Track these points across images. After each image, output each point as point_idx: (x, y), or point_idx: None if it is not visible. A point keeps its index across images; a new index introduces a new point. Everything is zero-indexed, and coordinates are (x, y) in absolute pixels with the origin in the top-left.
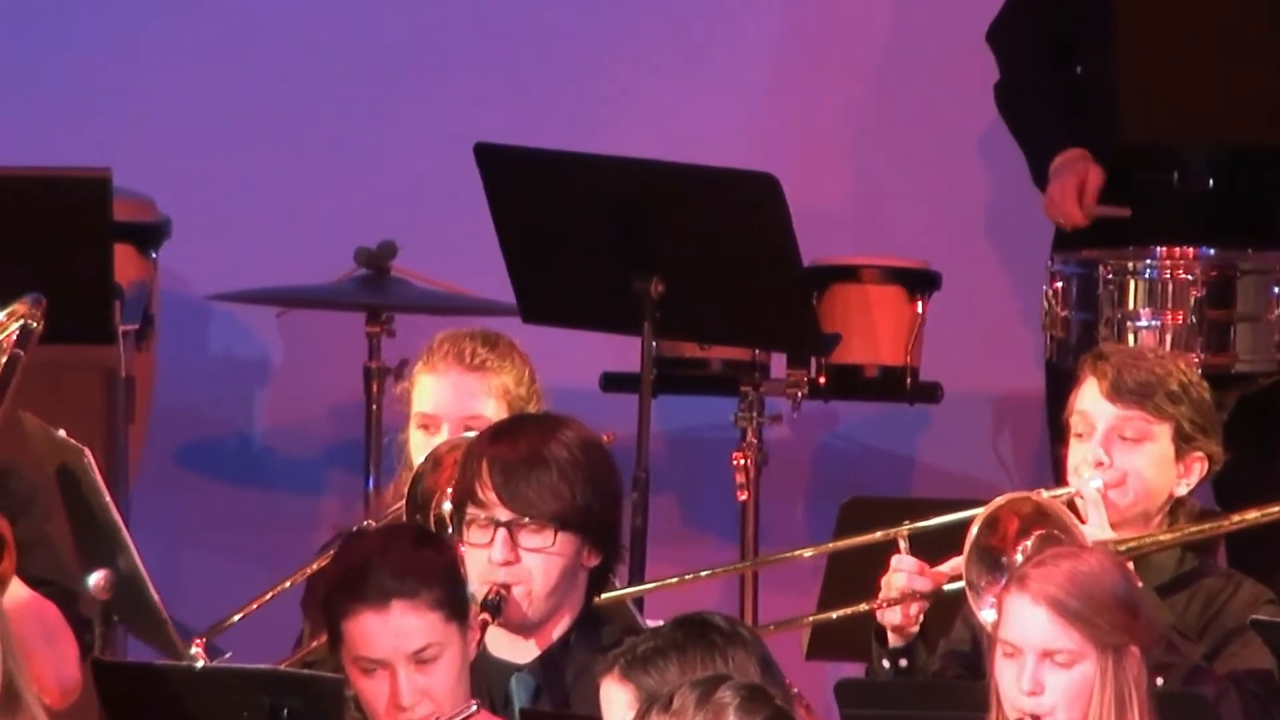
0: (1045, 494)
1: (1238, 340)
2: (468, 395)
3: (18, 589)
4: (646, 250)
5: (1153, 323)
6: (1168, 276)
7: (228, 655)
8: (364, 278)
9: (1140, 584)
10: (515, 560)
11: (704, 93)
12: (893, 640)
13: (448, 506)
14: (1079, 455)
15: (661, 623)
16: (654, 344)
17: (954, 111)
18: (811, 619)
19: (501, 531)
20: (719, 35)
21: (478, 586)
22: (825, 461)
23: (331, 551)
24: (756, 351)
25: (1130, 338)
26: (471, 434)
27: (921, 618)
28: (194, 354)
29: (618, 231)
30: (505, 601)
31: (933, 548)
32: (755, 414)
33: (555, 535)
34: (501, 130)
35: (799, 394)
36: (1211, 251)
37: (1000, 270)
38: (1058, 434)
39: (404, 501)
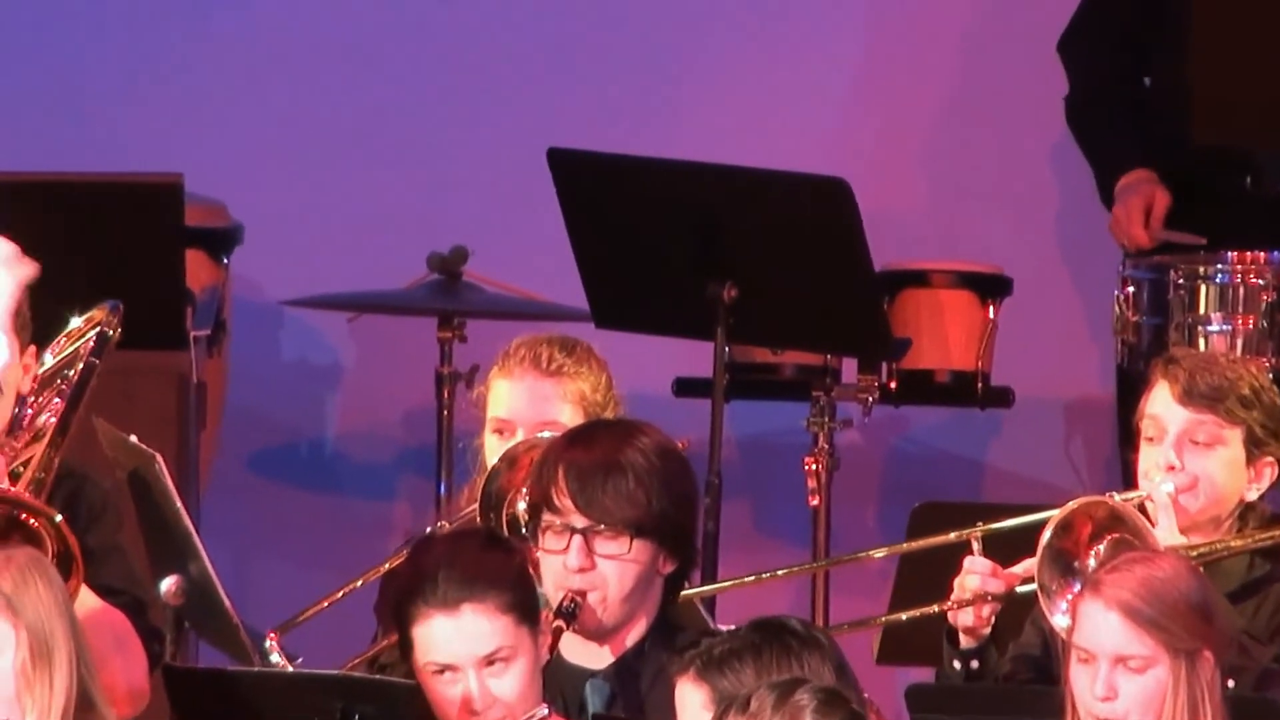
0: (1116, 498)
1: None
2: (543, 400)
3: (88, 598)
4: (719, 255)
5: (1224, 327)
6: (1239, 281)
7: (299, 660)
8: (436, 283)
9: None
10: (591, 567)
11: (778, 98)
12: (964, 642)
13: (522, 506)
14: (1150, 459)
15: (734, 626)
16: (726, 349)
17: (1028, 116)
18: (883, 619)
19: (577, 538)
20: (794, 41)
21: (553, 593)
22: (896, 466)
23: (403, 554)
24: (828, 356)
25: (1201, 342)
26: (549, 434)
27: (993, 619)
28: (266, 359)
29: (691, 236)
30: (580, 608)
31: (1004, 551)
32: (826, 419)
33: (631, 542)
34: (574, 135)
35: (870, 399)
36: None
37: (1072, 275)
38: (1128, 438)
39: (477, 503)
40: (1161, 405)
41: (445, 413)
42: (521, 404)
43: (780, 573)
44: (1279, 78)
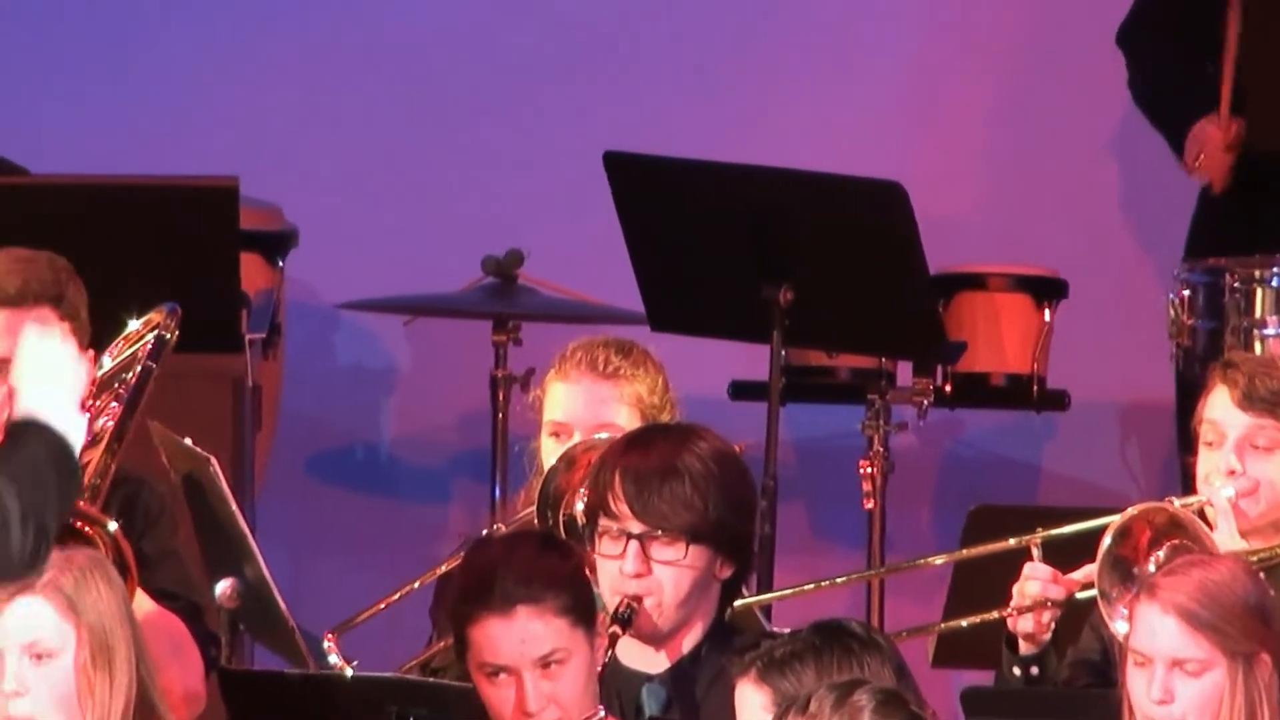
0: (1176, 503)
1: None
2: (600, 403)
3: (144, 603)
4: (775, 258)
5: None
6: None
7: (354, 663)
8: (491, 286)
9: (1271, 592)
10: (647, 572)
11: (833, 100)
12: (1024, 648)
13: (579, 507)
14: (1209, 464)
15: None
16: (782, 352)
17: (1083, 120)
18: (943, 626)
19: (633, 544)
20: (849, 44)
21: (609, 597)
22: (951, 470)
23: (459, 556)
24: (883, 360)
25: (1257, 346)
26: (606, 435)
27: (1053, 625)
28: (321, 362)
29: (746, 240)
30: (636, 614)
31: (1062, 556)
32: (882, 422)
33: (687, 548)
34: (630, 138)
35: (925, 402)
36: None
37: (1128, 278)
38: (1186, 442)
39: (534, 505)
40: (1221, 410)
41: (500, 416)
42: (578, 407)
43: (840, 580)
44: None
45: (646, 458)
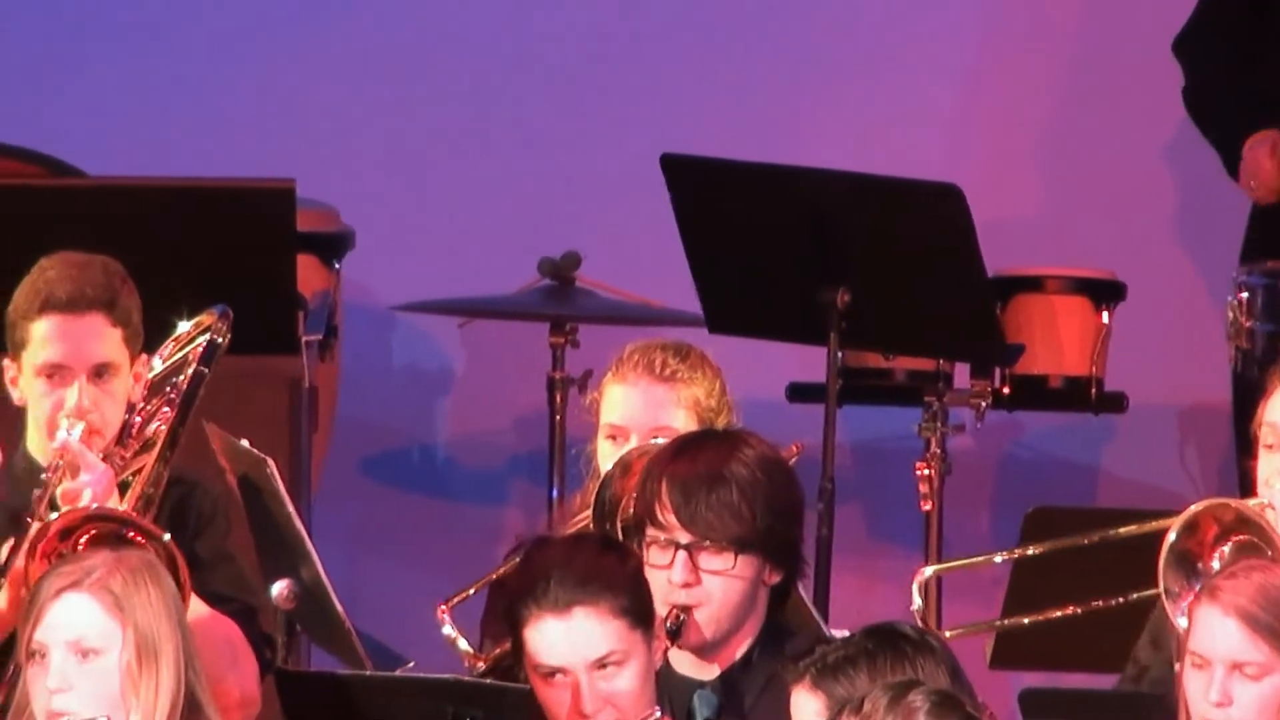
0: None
1: None
2: (657, 406)
3: (198, 607)
4: (832, 261)
5: None
6: None
7: (410, 664)
8: (548, 288)
9: None
10: (696, 583)
11: (891, 103)
12: None
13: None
14: (1270, 467)
15: (849, 632)
16: (839, 354)
17: (1141, 121)
18: (1006, 623)
19: (681, 554)
20: (906, 45)
21: (659, 607)
22: (1009, 472)
23: (515, 559)
24: (941, 362)
25: None
26: (663, 440)
27: None
28: (377, 364)
29: (804, 242)
30: (685, 624)
31: (1122, 557)
32: (939, 424)
33: (736, 558)
34: (686, 141)
35: (983, 404)
36: None
37: (1187, 280)
38: (1245, 445)
39: (590, 511)
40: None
41: (557, 418)
42: (635, 410)
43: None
44: None
45: (693, 466)
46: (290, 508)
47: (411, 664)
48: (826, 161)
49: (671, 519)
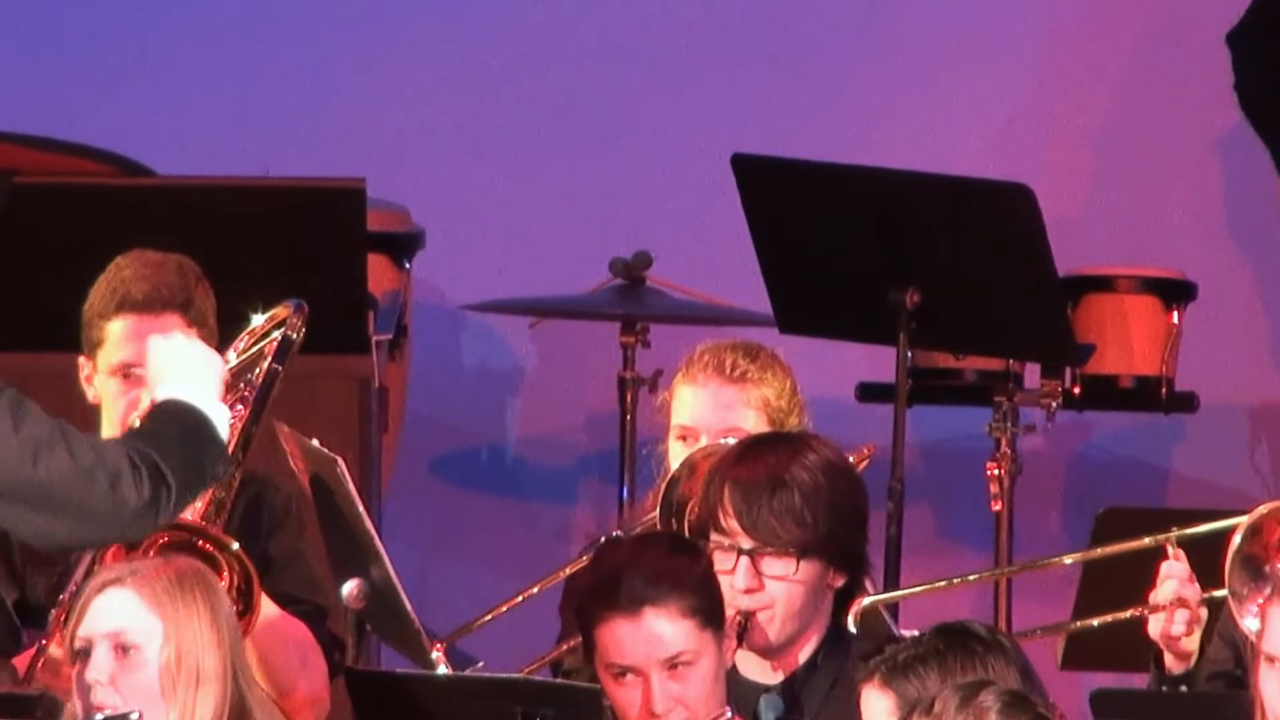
0: None
1: None
2: (727, 407)
3: (269, 609)
4: (902, 261)
5: None
6: None
7: (480, 664)
8: (619, 288)
9: None
10: (759, 588)
11: (960, 102)
12: (1172, 665)
13: None
14: None
15: (918, 632)
16: (909, 354)
17: (1212, 120)
18: (1078, 625)
19: (744, 559)
20: (974, 45)
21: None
22: (1079, 472)
23: (585, 558)
24: (1011, 362)
25: None
26: (730, 440)
27: (1198, 638)
28: (447, 364)
29: (874, 242)
30: (749, 629)
31: (1195, 557)
32: (1009, 424)
33: (798, 563)
34: (757, 140)
35: (1053, 404)
36: None
37: (1257, 279)
38: None
39: (657, 511)
40: None
41: (628, 418)
42: (706, 411)
43: (971, 578)
44: None
45: (755, 471)
46: (360, 507)
47: (481, 664)
48: (896, 161)
49: (734, 524)
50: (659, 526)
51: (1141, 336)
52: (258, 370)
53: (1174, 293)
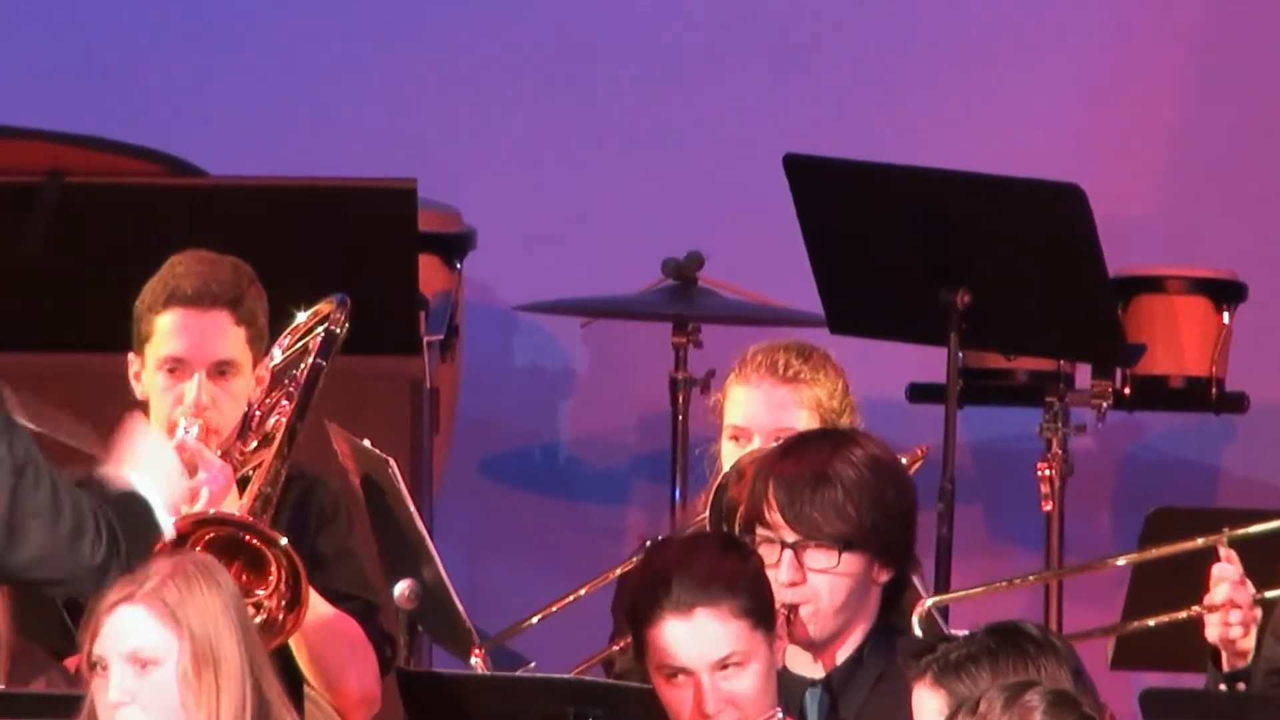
0: None
1: None
2: (780, 408)
3: (319, 605)
4: (953, 261)
5: None
6: None
7: (531, 665)
8: (671, 288)
9: None
10: (802, 581)
11: (1011, 102)
12: (1229, 663)
13: None
14: None
15: (969, 631)
16: (960, 355)
17: (1262, 119)
18: (1129, 626)
19: (788, 553)
20: (1028, 45)
21: None
22: (1130, 472)
23: (635, 559)
24: (1061, 362)
25: None
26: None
27: (1255, 635)
28: (499, 364)
29: (925, 242)
30: (793, 623)
31: (1247, 557)
32: (1060, 425)
33: (840, 556)
34: (809, 140)
35: (1104, 405)
36: None
37: None
38: None
39: (707, 514)
40: None
41: (680, 418)
42: (758, 411)
43: (1031, 579)
44: None
45: (798, 465)
46: (412, 508)
47: (533, 664)
48: (947, 162)
49: (777, 518)
50: (709, 530)
51: (1192, 337)
52: (302, 366)
53: (1224, 293)
